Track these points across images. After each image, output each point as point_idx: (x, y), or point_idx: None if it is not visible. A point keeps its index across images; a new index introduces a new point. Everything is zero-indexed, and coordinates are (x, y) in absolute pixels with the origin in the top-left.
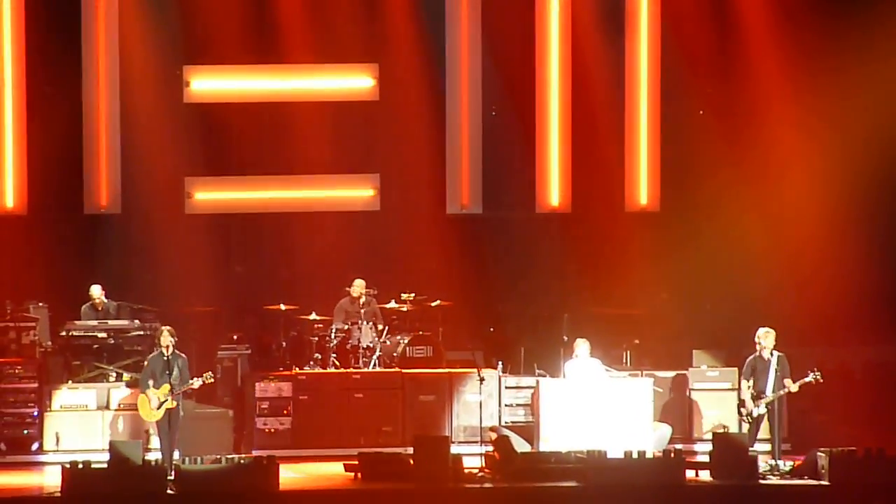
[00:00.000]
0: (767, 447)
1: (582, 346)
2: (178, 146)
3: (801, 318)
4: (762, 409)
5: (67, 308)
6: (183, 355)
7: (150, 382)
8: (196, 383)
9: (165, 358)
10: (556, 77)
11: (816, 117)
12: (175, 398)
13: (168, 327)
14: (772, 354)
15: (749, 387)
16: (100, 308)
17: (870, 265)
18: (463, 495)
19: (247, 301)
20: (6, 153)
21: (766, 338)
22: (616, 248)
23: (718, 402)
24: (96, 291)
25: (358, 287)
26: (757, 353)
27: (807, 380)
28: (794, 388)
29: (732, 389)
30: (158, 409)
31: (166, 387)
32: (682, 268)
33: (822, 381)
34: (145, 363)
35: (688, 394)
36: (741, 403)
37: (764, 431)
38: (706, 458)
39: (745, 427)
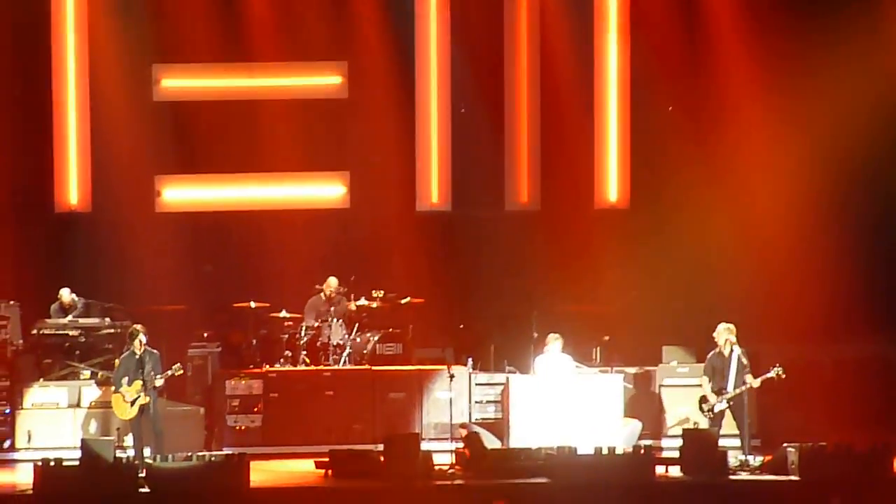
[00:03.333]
0: (737, 443)
1: (554, 341)
2: (148, 144)
3: (772, 314)
4: (723, 405)
5: (38, 307)
6: (155, 351)
7: (124, 381)
8: (159, 381)
9: (137, 356)
10: (526, 74)
11: (785, 114)
12: (148, 393)
13: (140, 326)
14: (732, 350)
15: (710, 383)
16: (68, 307)
17: (840, 261)
18: (433, 492)
19: (217, 299)
20: None
21: (722, 334)
22: (585, 245)
23: (688, 398)
24: (66, 294)
25: (332, 285)
26: (717, 350)
27: (769, 375)
28: (755, 383)
29: (701, 385)
30: (132, 406)
31: (138, 383)
32: (652, 264)
33: (784, 376)
34: (117, 362)
35: (657, 390)
36: (703, 399)
37: (732, 428)
38: (676, 454)
39: (707, 423)
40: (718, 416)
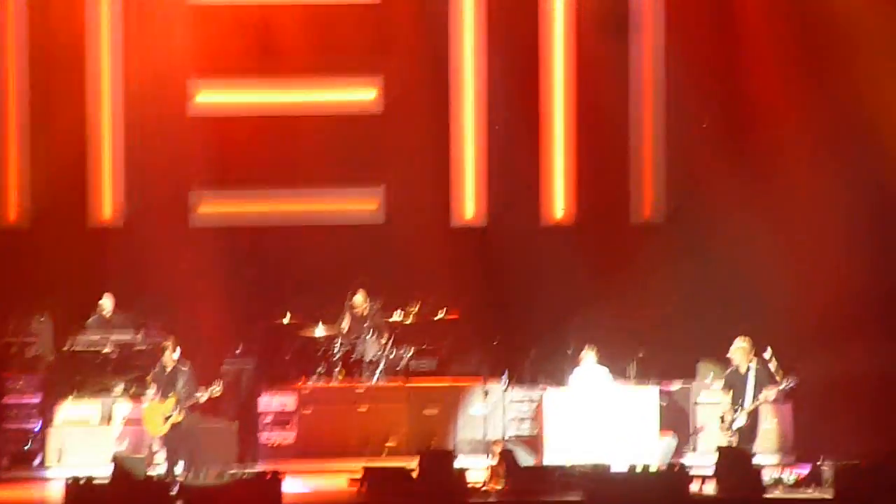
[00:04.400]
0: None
1: (589, 354)
2: (183, 159)
3: (807, 327)
4: (742, 420)
5: (71, 322)
6: (186, 367)
7: (155, 395)
8: (203, 396)
9: (170, 371)
10: (561, 89)
11: (821, 129)
12: (181, 411)
13: (172, 340)
14: (749, 366)
15: (729, 399)
16: (108, 320)
17: (876, 275)
18: None
19: (251, 314)
20: (10, 166)
21: (737, 351)
22: (621, 259)
23: None
24: (107, 304)
25: (358, 303)
26: (734, 367)
27: (781, 387)
28: (770, 395)
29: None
30: (165, 423)
31: (171, 400)
32: (687, 279)
33: (795, 386)
34: (149, 377)
35: (692, 406)
36: (722, 417)
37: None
38: (711, 471)
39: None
40: (738, 432)
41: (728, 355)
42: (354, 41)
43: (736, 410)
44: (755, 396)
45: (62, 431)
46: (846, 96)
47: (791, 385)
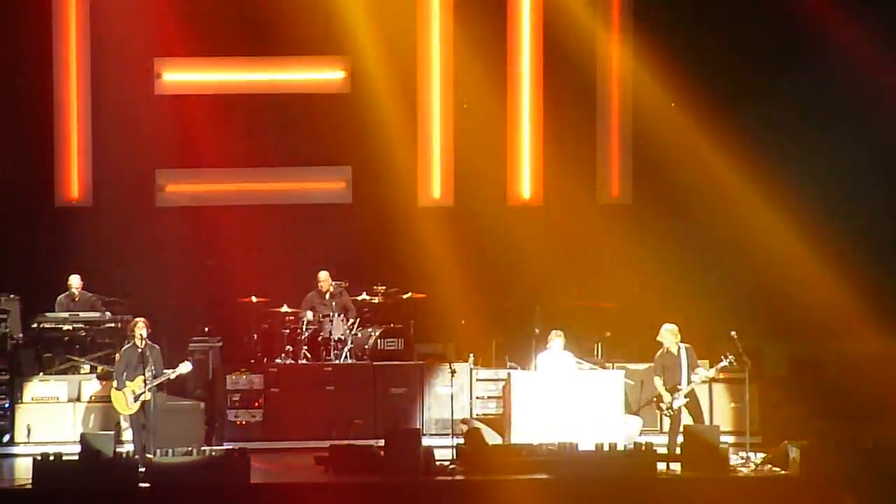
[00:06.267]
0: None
1: (556, 339)
2: (150, 138)
3: (774, 311)
4: (681, 401)
5: (39, 300)
6: (156, 346)
7: (125, 375)
8: (172, 374)
9: (139, 350)
10: (528, 69)
11: (785, 114)
12: (150, 390)
13: (142, 319)
14: (679, 348)
15: (662, 382)
16: (77, 299)
17: (843, 260)
18: (434, 488)
19: (218, 293)
20: None
21: (667, 336)
22: (588, 240)
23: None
24: (75, 282)
25: (322, 280)
26: (664, 350)
27: (722, 364)
28: (711, 373)
29: (704, 382)
30: (135, 401)
31: (140, 379)
32: (655, 260)
33: (735, 365)
34: (118, 356)
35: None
36: (658, 398)
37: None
38: (677, 451)
39: (667, 421)
40: (678, 412)
41: (659, 338)
42: (322, 20)
43: (673, 391)
44: (688, 377)
45: (31, 409)
46: (812, 81)
47: (734, 363)
